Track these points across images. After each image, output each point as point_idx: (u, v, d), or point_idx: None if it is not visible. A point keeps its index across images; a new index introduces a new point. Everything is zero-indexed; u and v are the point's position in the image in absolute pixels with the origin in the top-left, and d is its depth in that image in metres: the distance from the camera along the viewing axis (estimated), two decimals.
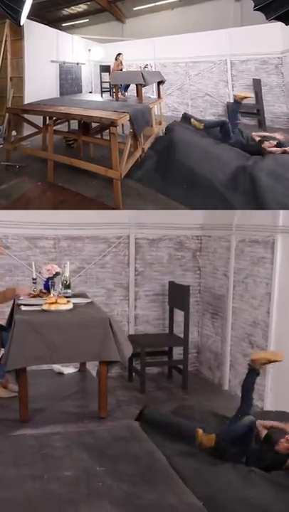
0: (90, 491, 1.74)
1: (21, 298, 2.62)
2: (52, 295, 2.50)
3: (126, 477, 1.82)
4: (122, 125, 3.98)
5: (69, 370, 3.08)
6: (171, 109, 5.96)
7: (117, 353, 2.29)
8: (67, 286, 2.60)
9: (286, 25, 2.37)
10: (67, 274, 2.64)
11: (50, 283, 2.65)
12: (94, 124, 4.23)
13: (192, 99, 5.86)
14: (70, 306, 2.41)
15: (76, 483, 1.78)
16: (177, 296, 3.53)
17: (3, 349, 2.42)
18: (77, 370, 3.10)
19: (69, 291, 2.60)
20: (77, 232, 3.68)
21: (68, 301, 2.43)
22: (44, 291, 2.73)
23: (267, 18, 2.35)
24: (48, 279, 2.70)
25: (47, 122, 3.83)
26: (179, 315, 3.58)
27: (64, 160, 3.62)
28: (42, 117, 4.00)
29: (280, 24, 2.41)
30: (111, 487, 1.75)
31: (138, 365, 3.47)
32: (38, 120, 4.12)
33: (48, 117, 3.80)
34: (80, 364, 3.06)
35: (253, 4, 2.35)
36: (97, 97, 5.51)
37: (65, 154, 3.96)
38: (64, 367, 3.07)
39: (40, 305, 2.42)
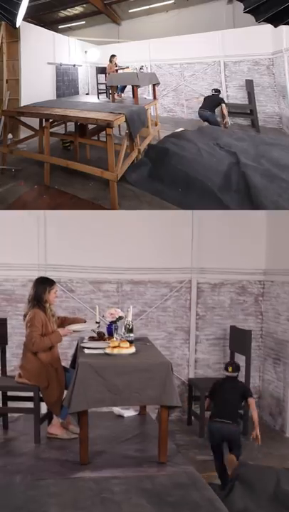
0: None
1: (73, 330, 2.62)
2: (115, 339, 2.48)
3: None
4: (119, 126, 4.00)
5: (129, 412, 3.03)
6: (166, 110, 6.00)
7: (178, 398, 2.29)
8: (130, 330, 2.54)
9: (275, 27, 2.40)
10: (130, 318, 2.58)
11: (113, 327, 2.60)
12: (90, 126, 4.25)
13: (187, 99, 5.92)
14: (132, 350, 2.42)
15: None
16: (238, 340, 3.44)
17: (66, 391, 2.44)
18: (137, 413, 3.03)
19: (132, 335, 2.54)
20: (140, 276, 3.70)
21: (131, 345, 2.44)
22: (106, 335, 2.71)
23: (256, 20, 2.38)
24: (111, 322, 2.65)
25: (43, 125, 3.84)
26: (240, 359, 3.43)
27: (60, 162, 3.63)
28: (38, 120, 4.01)
29: (270, 26, 2.44)
30: None
31: (197, 409, 3.40)
32: (34, 123, 4.14)
33: (44, 119, 3.81)
34: (140, 407, 3.00)
35: (243, 7, 2.38)
36: (93, 99, 5.54)
37: (61, 156, 3.98)
38: (124, 409, 3.02)
39: (103, 348, 2.44)
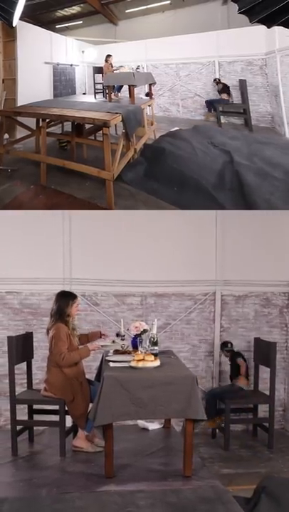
0: None
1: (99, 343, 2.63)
2: (139, 352, 2.49)
3: None
4: (115, 126, 4.02)
5: (154, 426, 3.03)
6: (162, 110, 6.03)
7: (204, 411, 2.29)
8: (154, 344, 2.55)
9: (268, 28, 2.44)
10: (154, 331, 2.60)
11: (138, 340, 2.60)
12: (87, 126, 4.26)
13: (182, 99, 5.95)
14: (157, 363, 2.41)
15: None
16: (263, 352, 3.40)
17: (91, 404, 2.43)
18: (161, 426, 3.04)
19: (156, 348, 2.55)
20: (164, 289, 3.69)
21: (156, 358, 2.44)
22: (131, 348, 2.73)
23: (250, 21, 2.42)
24: (136, 336, 2.67)
25: (40, 124, 3.84)
26: (264, 372, 3.43)
27: (57, 162, 3.65)
28: (35, 119, 4.02)
29: (264, 27, 2.48)
30: None
31: (222, 422, 3.39)
32: (31, 122, 4.14)
33: (41, 119, 3.81)
34: (164, 420, 3.01)
35: (238, 8, 2.42)
36: (90, 99, 5.55)
37: (58, 156, 3.99)
38: (149, 422, 3.02)
39: (128, 361, 2.45)
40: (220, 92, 5.38)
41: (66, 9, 6.53)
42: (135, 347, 2.65)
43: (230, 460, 3.06)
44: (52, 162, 3.66)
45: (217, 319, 3.78)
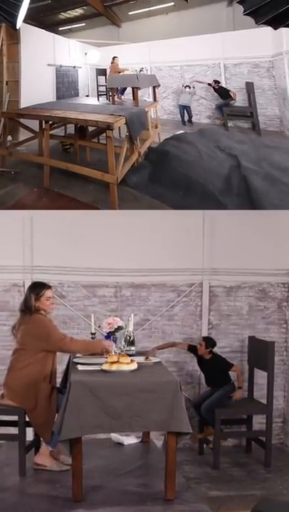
0: None
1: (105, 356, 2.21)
2: (113, 353, 2.15)
3: None
4: (119, 129, 3.99)
5: (130, 440, 2.66)
6: (167, 113, 6.00)
7: (188, 423, 1.96)
8: (130, 343, 2.24)
9: (275, 29, 2.40)
10: (131, 328, 2.27)
11: (111, 339, 2.27)
12: (90, 128, 4.23)
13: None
14: (134, 366, 2.08)
15: None
16: (259, 354, 3.01)
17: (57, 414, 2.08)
18: (139, 440, 2.66)
19: (133, 348, 2.25)
20: (142, 279, 3.17)
21: (132, 361, 2.10)
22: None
23: (256, 23, 2.38)
24: (109, 334, 2.32)
25: (43, 127, 3.82)
26: (260, 376, 3.03)
27: (60, 165, 3.62)
28: (38, 122, 4.00)
29: (270, 28, 2.44)
30: None
31: (211, 435, 2.97)
32: (34, 124, 4.12)
33: (44, 121, 3.79)
34: (143, 433, 2.64)
35: (243, 9, 2.38)
36: (93, 101, 5.54)
37: (61, 159, 3.95)
38: (124, 436, 2.65)
39: (100, 364, 2.10)
40: (221, 94, 5.30)
41: (69, 12, 6.54)
42: None
43: (220, 480, 2.68)
44: (55, 165, 3.63)
45: (205, 314, 3.27)
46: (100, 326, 2.50)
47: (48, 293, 2.27)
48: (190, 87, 5.52)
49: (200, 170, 3.15)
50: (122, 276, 3.22)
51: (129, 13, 6.57)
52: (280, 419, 3.31)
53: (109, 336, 2.35)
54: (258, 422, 3.12)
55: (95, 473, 2.21)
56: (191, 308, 3.31)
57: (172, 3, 6.12)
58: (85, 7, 6.35)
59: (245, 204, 2.77)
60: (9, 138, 4.24)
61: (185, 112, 5.59)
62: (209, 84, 5.41)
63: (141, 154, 3.68)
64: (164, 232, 3.18)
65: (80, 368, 2.15)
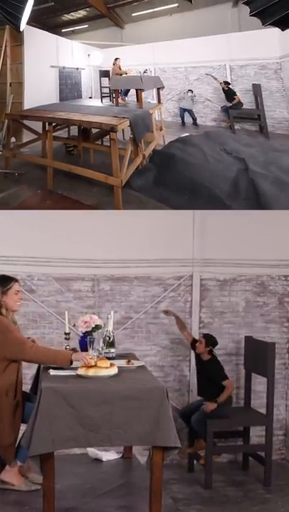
0: None
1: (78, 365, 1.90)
2: (90, 356, 1.88)
3: None
4: (123, 131, 3.96)
5: (109, 455, 2.39)
6: (171, 115, 5.97)
7: (176, 436, 1.74)
8: (110, 344, 2.00)
9: (282, 30, 2.37)
10: (110, 327, 2.04)
11: (87, 339, 1.95)
12: (94, 130, 4.22)
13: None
14: (114, 370, 1.84)
15: None
16: (257, 356, 2.70)
17: (25, 425, 1.83)
18: (120, 455, 2.38)
19: (113, 350, 2.02)
20: (123, 270, 2.80)
21: (112, 364, 1.86)
22: (79, 350, 2.09)
23: (263, 24, 2.35)
24: (86, 334, 2.05)
25: (46, 128, 3.81)
26: (259, 383, 2.74)
27: (63, 167, 3.60)
28: (41, 123, 3.99)
29: (277, 29, 2.41)
30: None
31: (202, 450, 2.65)
32: (37, 126, 4.11)
33: (47, 123, 3.78)
34: (124, 448, 2.35)
35: (249, 10, 2.35)
36: (97, 102, 5.55)
37: (64, 161, 3.94)
38: (103, 451, 2.37)
39: (75, 369, 1.85)
40: (227, 96, 5.29)
41: (72, 13, 6.57)
42: (84, 349, 1.99)
43: (213, 502, 2.41)
44: (58, 167, 3.61)
45: (195, 312, 2.89)
46: (74, 325, 2.18)
47: (16, 286, 2.00)
48: (192, 91, 5.55)
49: (206, 173, 3.10)
50: (101, 268, 2.85)
51: (133, 14, 6.58)
52: (281, 432, 2.98)
53: (86, 336, 2.04)
54: (257, 434, 2.83)
55: (69, 493, 1.96)
56: (179, 305, 2.94)
57: (176, 5, 6.11)
58: (88, 9, 6.37)
59: (253, 209, 2.72)
60: (13, 139, 4.24)
61: (187, 115, 5.63)
62: (220, 83, 5.39)
63: (145, 157, 3.65)
64: (151, 218, 2.80)
65: (52, 372, 1.90)
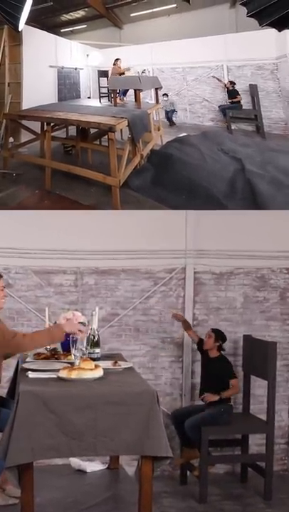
0: None
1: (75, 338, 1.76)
2: (73, 356, 1.76)
3: None
4: (121, 131, 3.98)
5: (94, 466, 2.19)
6: None
7: (168, 445, 1.59)
8: (95, 344, 1.84)
9: (279, 31, 2.38)
10: (95, 325, 1.88)
11: (70, 339, 1.78)
12: (92, 130, 4.23)
13: (190, 104, 5.91)
14: (99, 372, 1.69)
15: None
16: (257, 357, 2.50)
17: (1, 433, 1.67)
18: (105, 466, 2.19)
19: (98, 350, 1.86)
20: (109, 263, 2.57)
21: (97, 366, 1.72)
22: (60, 351, 1.97)
23: (260, 25, 2.36)
24: (68, 332, 1.79)
25: (45, 128, 3.82)
26: (258, 386, 2.55)
27: (62, 167, 3.61)
28: (40, 123, 4.00)
29: (274, 30, 2.42)
30: None
31: (196, 459, 2.44)
32: (35, 126, 4.12)
33: (45, 123, 3.79)
34: (110, 458, 2.17)
35: (247, 11, 2.37)
36: (95, 103, 5.57)
37: (63, 161, 3.96)
38: (87, 462, 2.18)
39: (56, 371, 1.71)
40: (230, 94, 5.32)
41: (71, 13, 6.59)
42: (66, 349, 1.86)
43: None
44: (56, 167, 3.63)
45: (188, 308, 2.65)
46: (56, 323, 1.99)
47: (0, 282, 1.87)
48: (167, 95, 5.66)
49: (203, 173, 3.13)
50: (84, 260, 2.60)
51: (131, 14, 6.60)
52: (283, 440, 2.74)
53: (68, 335, 1.81)
54: (256, 443, 2.62)
55: (49, 508, 1.78)
56: (171, 300, 2.70)
57: (174, 5, 6.14)
58: (86, 9, 6.39)
59: (250, 208, 2.74)
60: (11, 139, 4.25)
61: (176, 114, 5.71)
62: (225, 84, 5.41)
63: (143, 157, 3.67)
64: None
65: (30, 375, 1.73)
